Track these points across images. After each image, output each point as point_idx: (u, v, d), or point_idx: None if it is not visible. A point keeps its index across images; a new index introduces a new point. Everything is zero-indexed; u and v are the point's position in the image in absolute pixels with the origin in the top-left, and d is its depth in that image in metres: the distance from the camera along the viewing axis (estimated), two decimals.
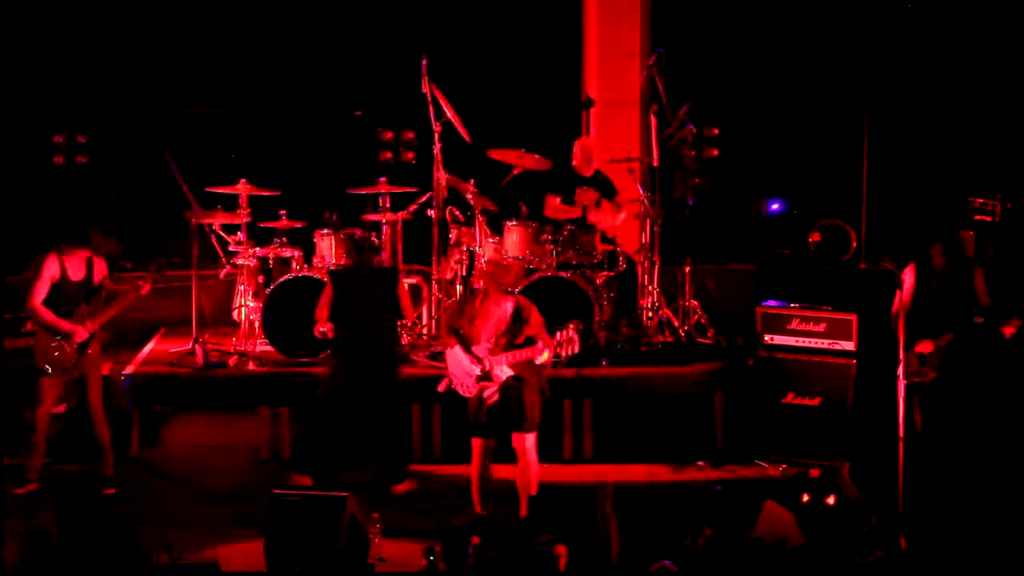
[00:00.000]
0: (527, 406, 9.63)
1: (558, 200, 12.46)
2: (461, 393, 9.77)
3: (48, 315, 10.54)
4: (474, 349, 9.67)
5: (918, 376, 10.33)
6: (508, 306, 9.65)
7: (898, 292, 10.49)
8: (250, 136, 14.68)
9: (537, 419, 9.70)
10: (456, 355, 9.75)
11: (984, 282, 10.65)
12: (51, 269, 10.56)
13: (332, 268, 11.64)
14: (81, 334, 10.55)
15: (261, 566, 8.73)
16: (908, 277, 10.78)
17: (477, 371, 9.63)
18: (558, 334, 9.52)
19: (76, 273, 10.62)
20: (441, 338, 10.38)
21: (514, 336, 9.61)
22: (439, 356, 11.33)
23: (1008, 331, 10.33)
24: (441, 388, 9.94)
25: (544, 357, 9.55)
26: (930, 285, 10.93)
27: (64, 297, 10.58)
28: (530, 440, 9.65)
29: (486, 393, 9.62)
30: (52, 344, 10.56)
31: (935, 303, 10.87)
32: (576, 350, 9.59)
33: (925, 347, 10.54)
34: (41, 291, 10.55)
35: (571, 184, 12.58)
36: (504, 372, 9.58)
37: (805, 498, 8.64)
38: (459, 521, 9.84)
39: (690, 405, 11.73)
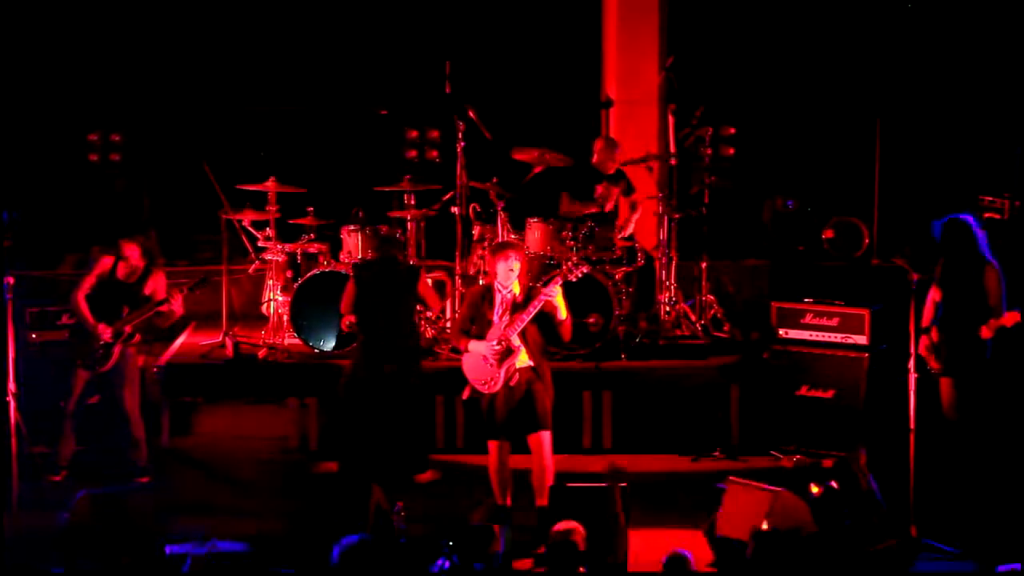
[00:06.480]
0: (540, 406, 9.58)
1: (570, 197, 12.63)
2: (486, 392, 9.63)
3: (83, 308, 10.76)
4: (488, 334, 9.60)
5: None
6: (517, 289, 9.61)
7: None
8: (279, 135, 14.73)
9: (550, 417, 9.64)
10: (473, 352, 9.65)
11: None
12: (104, 267, 10.81)
13: (355, 262, 11.75)
14: (104, 333, 10.77)
15: (290, 552, 8.87)
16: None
17: (497, 350, 9.52)
18: (563, 265, 9.69)
19: (125, 276, 10.86)
20: (452, 343, 10.41)
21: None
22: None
23: (985, 333, 10.09)
24: (465, 396, 9.86)
25: (557, 291, 9.49)
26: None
27: (106, 296, 10.80)
28: (546, 437, 9.61)
29: (510, 372, 9.52)
30: (82, 337, 10.82)
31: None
32: (586, 269, 9.80)
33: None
34: (86, 285, 10.79)
35: (591, 181, 12.72)
36: (521, 347, 9.53)
37: (815, 489, 8.73)
38: (480, 510, 9.81)
39: (706, 397, 11.82)
